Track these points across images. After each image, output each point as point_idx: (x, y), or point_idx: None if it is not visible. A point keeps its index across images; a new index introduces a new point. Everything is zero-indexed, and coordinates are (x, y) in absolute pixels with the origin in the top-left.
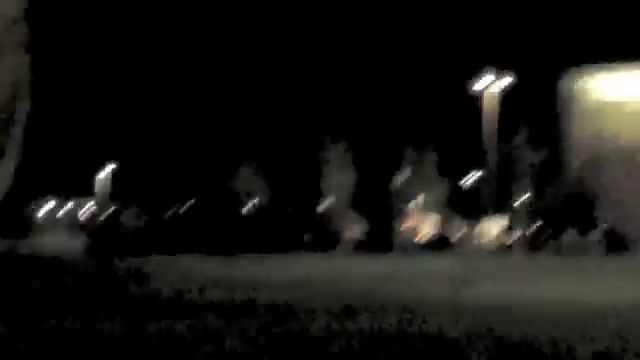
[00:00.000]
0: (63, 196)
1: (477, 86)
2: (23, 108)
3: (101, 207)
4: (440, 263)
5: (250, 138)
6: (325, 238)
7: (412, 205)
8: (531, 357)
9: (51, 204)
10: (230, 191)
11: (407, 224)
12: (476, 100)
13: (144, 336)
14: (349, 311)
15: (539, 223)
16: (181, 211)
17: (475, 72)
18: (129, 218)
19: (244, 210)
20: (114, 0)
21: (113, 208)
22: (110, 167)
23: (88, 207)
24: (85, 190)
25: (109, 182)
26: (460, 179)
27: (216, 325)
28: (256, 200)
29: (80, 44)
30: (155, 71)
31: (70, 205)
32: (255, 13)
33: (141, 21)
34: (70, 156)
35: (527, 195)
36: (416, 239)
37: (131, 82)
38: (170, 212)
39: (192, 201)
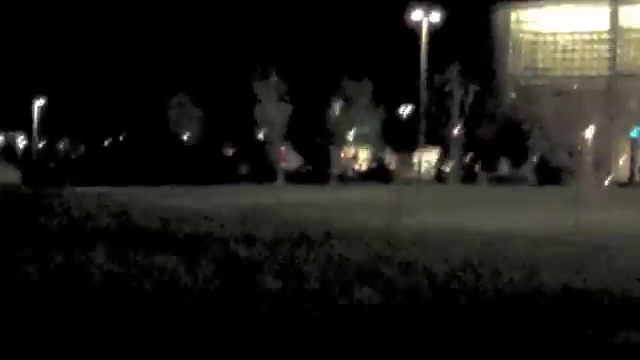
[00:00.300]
0: None
1: (411, 19)
2: None
3: (35, 138)
4: (377, 193)
5: (182, 68)
6: (261, 170)
7: (348, 136)
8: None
9: None
10: (164, 122)
11: (343, 155)
12: (410, 34)
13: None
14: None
15: (472, 154)
16: (118, 141)
17: (409, 5)
18: (67, 148)
19: (180, 140)
20: None
21: (46, 140)
22: (41, 100)
23: (21, 139)
24: (17, 123)
25: (40, 115)
26: (395, 110)
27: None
28: (189, 132)
29: None
30: (88, 7)
31: (2, 137)
32: None
33: None
34: (0, 90)
35: (460, 127)
36: (353, 169)
37: (60, 16)
38: (107, 142)
39: (125, 133)
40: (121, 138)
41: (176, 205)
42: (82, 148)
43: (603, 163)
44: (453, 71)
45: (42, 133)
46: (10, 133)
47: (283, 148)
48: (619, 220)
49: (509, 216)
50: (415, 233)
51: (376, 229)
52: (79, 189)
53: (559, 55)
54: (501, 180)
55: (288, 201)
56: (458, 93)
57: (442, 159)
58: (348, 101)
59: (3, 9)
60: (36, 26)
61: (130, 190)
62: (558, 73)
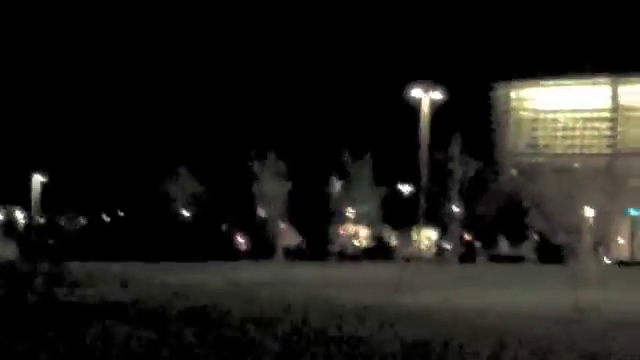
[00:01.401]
0: None
1: (411, 98)
2: None
3: (35, 214)
4: (377, 271)
5: (183, 146)
6: (260, 246)
7: (348, 213)
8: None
9: None
10: (165, 198)
11: (343, 232)
12: (411, 112)
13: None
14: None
15: (472, 233)
16: (117, 216)
17: (409, 85)
18: (67, 223)
19: (181, 217)
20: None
21: (45, 215)
22: (40, 176)
23: (20, 214)
24: (17, 198)
25: (40, 190)
26: (395, 188)
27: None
28: (189, 210)
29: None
30: (84, 79)
31: (1, 213)
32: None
33: (68, 29)
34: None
35: (460, 206)
36: (351, 247)
37: (60, 90)
38: (106, 218)
39: (124, 209)
40: (121, 214)
41: (172, 281)
42: (81, 223)
43: (603, 242)
44: (454, 149)
45: (42, 208)
46: (10, 208)
47: (282, 225)
48: (619, 299)
49: (508, 295)
50: (408, 312)
51: (368, 307)
52: (76, 264)
53: (560, 133)
54: (501, 259)
55: (286, 278)
56: (459, 170)
57: (442, 237)
58: (348, 179)
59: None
60: (36, 101)
61: (128, 266)
62: (558, 150)
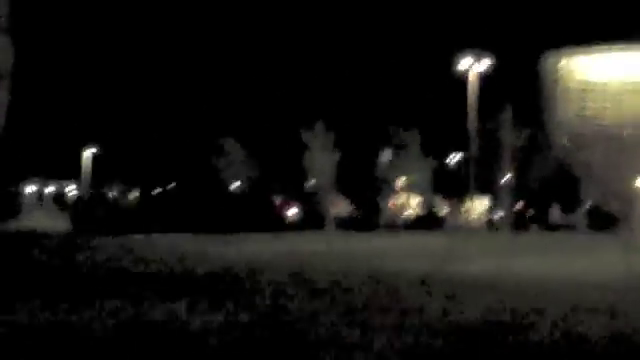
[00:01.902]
0: (46, 177)
1: (459, 67)
2: (3, 89)
3: (85, 187)
4: (428, 240)
5: (232, 117)
6: (312, 217)
7: (398, 184)
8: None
9: (35, 185)
10: (215, 170)
11: (393, 202)
12: (459, 81)
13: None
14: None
15: (523, 202)
16: (168, 189)
17: (457, 53)
18: (118, 195)
19: (231, 189)
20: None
21: (95, 188)
22: (91, 149)
23: (71, 188)
24: (68, 171)
25: (90, 163)
26: (444, 158)
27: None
28: (240, 181)
29: (62, 32)
30: (134, 55)
31: (54, 186)
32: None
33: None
34: (51, 138)
35: (511, 175)
36: (402, 217)
37: (110, 64)
38: (158, 190)
39: (176, 181)
40: (170, 187)
41: (230, 253)
42: (131, 196)
43: None
44: (505, 116)
45: (93, 181)
46: (61, 182)
47: (333, 195)
48: None
49: (561, 263)
50: (461, 280)
51: (420, 276)
52: (129, 237)
53: (609, 103)
54: (553, 227)
55: (338, 249)
56: (509, 139)
57: (493, 206)
58: (397, 149)
59: (51, 61)
60: (85, 76)
61: (181, 237)
62: (608, 120)
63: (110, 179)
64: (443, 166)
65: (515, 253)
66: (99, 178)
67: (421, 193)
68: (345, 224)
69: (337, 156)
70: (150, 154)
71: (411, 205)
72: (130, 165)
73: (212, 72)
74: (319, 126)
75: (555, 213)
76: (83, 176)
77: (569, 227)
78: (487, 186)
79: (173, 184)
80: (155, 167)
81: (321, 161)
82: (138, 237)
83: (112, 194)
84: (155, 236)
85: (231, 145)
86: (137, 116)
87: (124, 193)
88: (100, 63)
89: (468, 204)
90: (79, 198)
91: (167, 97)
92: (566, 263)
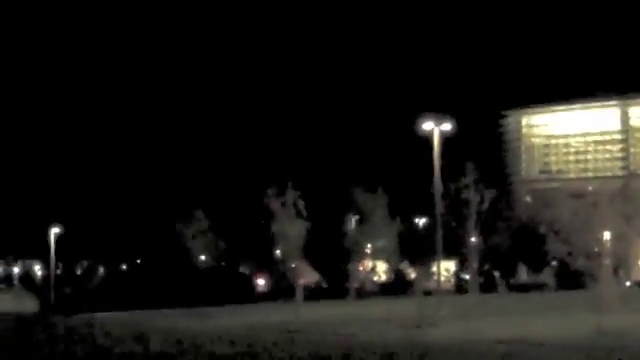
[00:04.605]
0: (12, 257)
1: (422, 130)
2: None
3: (52, 266)
4: (397, 306)
5: (197, 188)
6: (280, 287)
7: (365, 249)
8: None
9: (1, 267)
10: (181, 243)
11: (361, 268)
12: (423, 144)
13: None
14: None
15: (490, 263)
16: (135, 265)
17: (420, 117)
18: (85, 273)
19: (198, 262)
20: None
21: (63, 267)
22: (56, 228)
23: (38, 267)
24: (34, 251)
25: (56, 242)
26: (410, 222)
27: None
28: (206, 252)
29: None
30: (92, 129)
31: (20, 266)
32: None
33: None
34: (15, 219)
35: (477, 236)
36: (370, 283)
37: (69, 139)
38: (124, 266)
39: (142, 257)
40: (138, 261)
41: (195, 328)
42: (99, 274)
43: (622, 265)
44: (469, 178)
45: (59, 260)
46: (27, 261)
47: (300, 264)
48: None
49: (531, 324)
50: (432, 345)
51: (394, 343)
52: (96, 315)
53: (572, 157)
54: (521, 287)
55: (307, 319)
56: (474, 200)
57: (461, 268)
58: (364, 215)
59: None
60: (49, 155)
61: (148, 314)
62: (572, 175)
63: (76, 257)
64: (409, 230)
65: (484, 316)
66: (64, 257)
67: (388, 258)
68: (314, 293)
69: (306, 224)
70: (114, 231)
71: (379, 271)
72: (95, 242)
73: (174, 145)
74: (289, 193)
75: (522, 273)
76: (51, 255)
77: (537, 286)
78: (454, 248)
79: (140, 259)
80: (120, 243)
81: (289, 229)
82: (105, 315)
83: (78, 272)
84: (122, 314)
85: (198, 216)
86: (100, 194)
87: (90, 271)
88: (60, 140)
89: (435, 267)
90: (45, 278)
91: (130, 172)
92: (535, 325)
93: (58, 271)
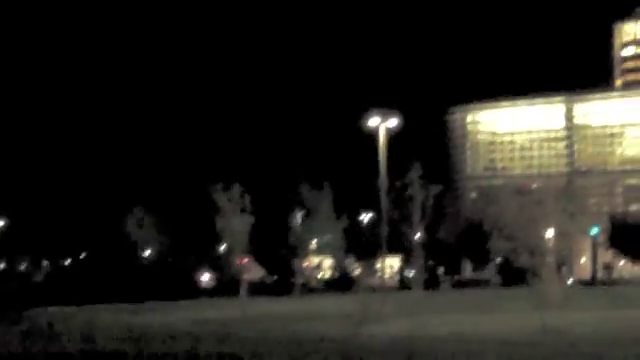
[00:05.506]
0: None
1: (368, 125)
2: None
3: None
4: (342, 302)
5: (142, 183)
6: (225, 283)
7: (311, 246)
8: None
9: None
10: (126, 237)
11: (306, 264)
12: (369, 140)
13: None
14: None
15: (434, 259)
16: (78, 260)
17: (365, 112)
18: (28, 269)
19: (142, 257)
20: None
21: (6, 262)
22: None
23: None
24: None
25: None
26: (355, 218)
27: None
28: (150, 248)
29: None
30: (36, 124)
31: None
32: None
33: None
34: None
35: (421, 232)
36: (315, 279)
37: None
38: (68, 261)
39: (87, 251)
40: (81, 257)
41: (139, 323)
42: (43, 269)
43: (565, 262)
44: (414, 174)
45: (1, 256)
46: None
47: (246, 260)
48: (583, 320)
49: (474, 321)
50: (375, 343)
51: (335, 339)
52: (42, 310)
53: (517, 154)
54: (465, 283)
55: (252, 314)
56: (419, 197)
57: (405, 265)
58: (309, 210)
59: None
60: None
61: (92, 309)
62: (517, 172)
63: (20, 252)
64: (354, 226)
65: (428, 312)
66: (8, 252)
67: (333, 254)
68: (259, 288)
69: (251, 219)
70: (58, 225)
71: (324, 267)
72: (39, 237)
73: (120, 141)
74: (234, 188)
75: (466, 269)
76: None
77: (481, 283)
78: (398, 244)
79: (83, 254)
80: (64, 238)
81: (235, 224)
82: (51, 310)
83: (22, 267)
84: (68, 309)
85: (142, 211)
86: (44, 188)
87: (34, 266)
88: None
89: (380, 264)
90: None
91: (74, 167)
92: (478, 321)
93: (1, 266)
